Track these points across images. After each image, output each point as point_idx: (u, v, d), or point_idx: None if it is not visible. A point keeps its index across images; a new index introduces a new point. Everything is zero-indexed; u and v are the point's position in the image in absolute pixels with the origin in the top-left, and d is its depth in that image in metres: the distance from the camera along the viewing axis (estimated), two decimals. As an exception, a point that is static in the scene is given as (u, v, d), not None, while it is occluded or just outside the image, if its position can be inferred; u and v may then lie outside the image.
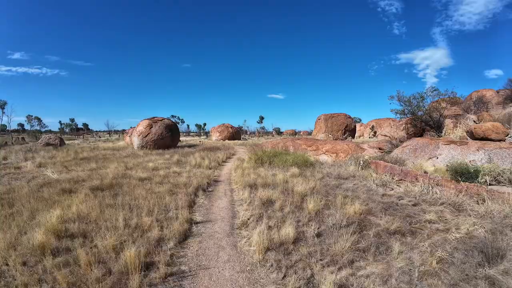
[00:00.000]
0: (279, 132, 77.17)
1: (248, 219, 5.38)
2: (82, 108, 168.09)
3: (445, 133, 16.89)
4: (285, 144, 14.57)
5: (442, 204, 6.79)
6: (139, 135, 22.84)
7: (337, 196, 6.70)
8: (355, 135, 24.89)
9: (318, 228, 4.82)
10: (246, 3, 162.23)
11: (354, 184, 8.68)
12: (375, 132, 36.28)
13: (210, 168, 11.99)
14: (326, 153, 13.13)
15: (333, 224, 4.93)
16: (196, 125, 79.37)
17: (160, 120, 24.16)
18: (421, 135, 18.15)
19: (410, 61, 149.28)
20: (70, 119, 77.08)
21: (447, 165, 7.73)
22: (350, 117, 22.25)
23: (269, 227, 4.91)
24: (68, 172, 11.43)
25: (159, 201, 6.62)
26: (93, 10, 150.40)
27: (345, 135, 21.09)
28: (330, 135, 20.66)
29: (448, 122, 17.84)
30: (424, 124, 17.62)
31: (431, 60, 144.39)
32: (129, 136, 29.77)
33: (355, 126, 22.70)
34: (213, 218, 5.79)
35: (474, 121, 17.70)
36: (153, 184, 8.53)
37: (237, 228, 5.16)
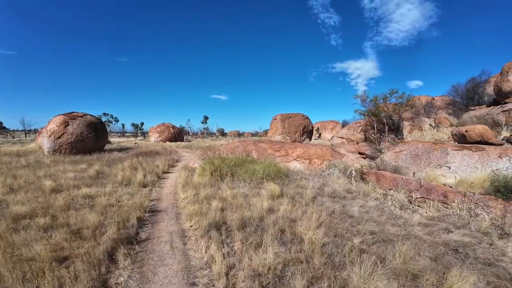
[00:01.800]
0: (223, 133, 73.22)
1: None
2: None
3: (406, 136, 15.87)
4: (246, 148, 11.26)
5: (507, 235, 4.48)
6: (50, 136, 16.84)
7: (387, 247, 3.74)
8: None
9: None
10: (191, 4, 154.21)
11: (361, 207, 5.91)
12: (320, 134, 35.75)
13: (144, 186, 7.92)
14: (297, 159, 10.29)
15: None
16: (133, 124, 69.21)
17: (81, 116, 18.36)
18: (377, 138, 16.98)
19: (345, 70, 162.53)
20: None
21: (491, 178, 5.44)
22: (307, 118, 20.11)
23: None
24: None
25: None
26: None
27: (303, 136, 18.88)
28: (287, 137, 18.14)
29: (406, 125, 16.98)
30: (383, 126, 16.48)
31: (362, 70, 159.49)
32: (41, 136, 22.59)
33: (312, 127, 20.68)
34: None
35: (430, 124, 17.24)
36: (34, 230, 4.31)
37: None
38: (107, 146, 22.92)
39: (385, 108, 14.13)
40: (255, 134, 76.17)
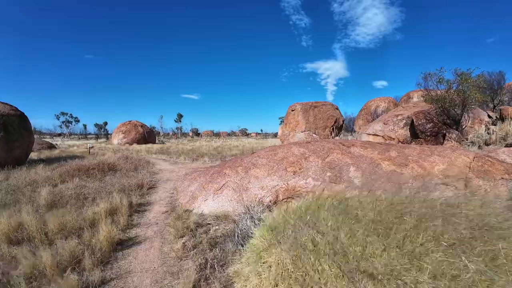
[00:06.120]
0: (197, 133, 64.11)
1: None
2: None
3: (475, 134, 10.64)
4: (329, 160, 4.65)
5: None
6: None
7: None
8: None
9: None
10: (161, 5, 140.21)
11: None
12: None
13: None
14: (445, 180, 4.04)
15: None
16: (96, 125, 56.50)
17: (-17, 109, 9.91)
18: (436, 135, 11.66)
19: (315, 71, 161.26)
20: None
21: None
22: (337, 108, 13.77)
23: None
24: None
25: None
26: None
27: (333, 134, 12.75)
28: (314, 134, 11.86)
29: (466, 117, 11.84)
30: (445, 119, 11.18)
31: (331, 70, 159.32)
32: None
33: (343, 121, 14.34)
34: None
35: (489, 116, 12.34)
36: None
37: None
38: (46, 154, 14.36)
39: (476, 94, 8.72)
40: (231, 134, 68.75)
